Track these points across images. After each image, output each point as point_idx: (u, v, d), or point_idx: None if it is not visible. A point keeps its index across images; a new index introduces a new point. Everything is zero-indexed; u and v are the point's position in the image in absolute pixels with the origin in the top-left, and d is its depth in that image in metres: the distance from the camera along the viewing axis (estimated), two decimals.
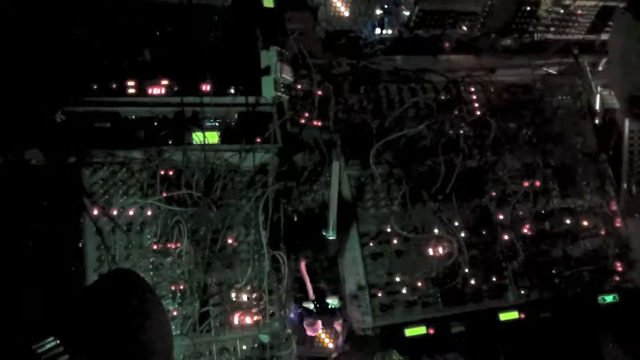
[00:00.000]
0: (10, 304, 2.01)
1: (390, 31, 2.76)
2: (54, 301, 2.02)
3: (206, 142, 2.33)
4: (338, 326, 2.34)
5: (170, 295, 2.20)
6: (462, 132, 2.76)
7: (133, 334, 1.65)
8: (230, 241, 2.32)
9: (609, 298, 2.70)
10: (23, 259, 2.08)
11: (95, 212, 2.18)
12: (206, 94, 2.36)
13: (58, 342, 1.47)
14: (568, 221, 2.76)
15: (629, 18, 2.84)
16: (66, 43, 2.23)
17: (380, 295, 2.43)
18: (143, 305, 1.74)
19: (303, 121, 2.54)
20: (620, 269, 2.76)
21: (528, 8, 2.84)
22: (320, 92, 2.55)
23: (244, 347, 2.25)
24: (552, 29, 2.94)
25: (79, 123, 2.20)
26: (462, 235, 2.58)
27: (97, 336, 1.59)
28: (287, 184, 2.45)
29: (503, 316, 2.55)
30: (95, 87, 2.25)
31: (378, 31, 2.74)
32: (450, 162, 2.65)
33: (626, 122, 2.86)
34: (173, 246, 2.23)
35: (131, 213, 2.22)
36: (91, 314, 1.65)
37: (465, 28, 2.80)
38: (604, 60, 3.08)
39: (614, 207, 2.86)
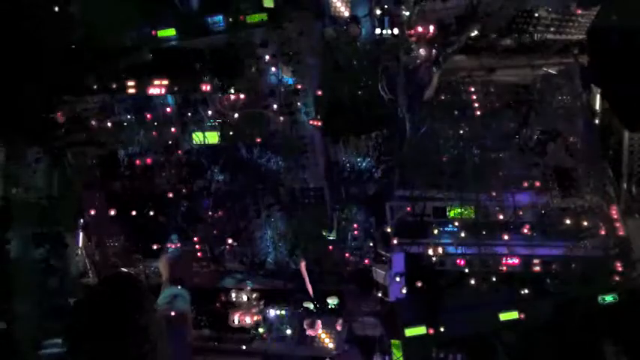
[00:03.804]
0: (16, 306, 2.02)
1: (390, 31, 2.75)
2: (57, 302, 2.03)
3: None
4: (338, 326, 2.34)
5: None
6: (462, 131, 2.76)
7: (132, 334, 1.65)
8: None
9: (609, 298, 2.69)
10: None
11: None
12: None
13: (60, 343, 1.47)
14: (568, 221, 2.76)
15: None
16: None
17: None
18: (141, 307, 1.74)
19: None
20: (620, 269, 2.75)
21: (528, 8, 2.83)
22: (320, 92, 2.55)
23: None
24: (552, 29, 2.93)
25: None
26: (462, 235, 2.57)
27: (97, 336, 1.59)
28: None
29: (503, 316, 2.55)
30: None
31: (378, 31, 2.74)
32: (450, 162, 2.65)
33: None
34: None
35: None
36: (92, 314, 1.66)
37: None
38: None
39: (614, 207, 2.86)
